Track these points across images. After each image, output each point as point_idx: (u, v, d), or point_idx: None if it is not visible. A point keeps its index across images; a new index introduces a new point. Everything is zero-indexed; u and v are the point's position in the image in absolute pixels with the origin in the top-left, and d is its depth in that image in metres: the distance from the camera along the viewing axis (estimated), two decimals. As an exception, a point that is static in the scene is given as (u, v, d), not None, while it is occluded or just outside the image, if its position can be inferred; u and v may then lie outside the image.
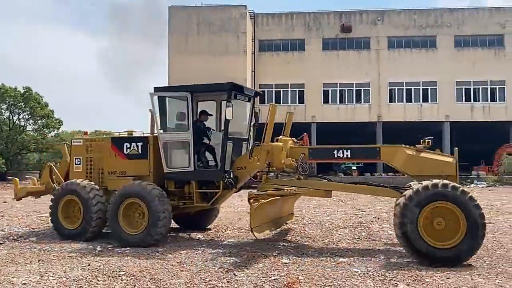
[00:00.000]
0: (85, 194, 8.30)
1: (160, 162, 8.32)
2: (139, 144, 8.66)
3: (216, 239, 8.54)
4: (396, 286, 5.16)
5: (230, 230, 9.57)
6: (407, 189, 6.91)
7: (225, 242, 8.16)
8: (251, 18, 35.58)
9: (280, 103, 35.57)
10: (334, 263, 6.33)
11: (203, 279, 5.48)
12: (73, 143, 9.32)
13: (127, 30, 66.19)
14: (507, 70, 34.92)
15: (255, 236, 7.44)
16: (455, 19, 35.68)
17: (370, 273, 5.74)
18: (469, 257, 6.28)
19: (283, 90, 35.59)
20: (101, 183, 8.71)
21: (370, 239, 8.32)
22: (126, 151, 8.69)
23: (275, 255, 6.82)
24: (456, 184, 6.56)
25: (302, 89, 35.48)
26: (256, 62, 35.68)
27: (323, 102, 35.38)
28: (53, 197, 8.69)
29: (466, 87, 35.48)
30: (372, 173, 32.67)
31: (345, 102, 35.50)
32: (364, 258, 6.63)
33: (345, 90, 35.52)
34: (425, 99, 35.54)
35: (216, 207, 9.42)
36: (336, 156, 8.36)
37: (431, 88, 35.58)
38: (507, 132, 34.01)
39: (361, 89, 35.46)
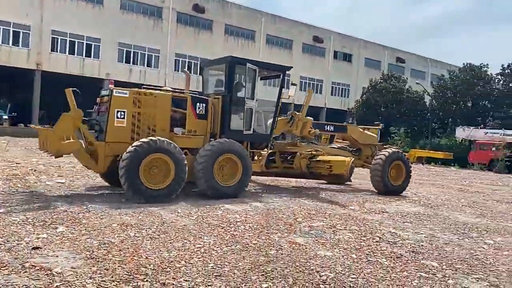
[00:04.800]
0: (177, 153, 8.07)
1: (213, 124, 9.29)
2: (203, 105, 9.18)
3: None
4: (56, 228, 5.68)
5: None
6: (355, 153, 12.46)
7: None
8: None
9: None
10: (-11, 215, 6.19)
11: None
12: (115, 94, 8.19)
13: None
14: (162, 41, 39.52)
15: (351, 181, 13.50)
16: (122, -19, 37.20)
17: (30, 220, 6.01)
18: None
19: None
20: None
21: (27, 191, 8.36)
22: (198, 111, 9.05)
23: None
24: (401, 151, 12.36)
25: None
26: None
27: (-31, 38, 30.15)
28: (127, 156, 7.61)
29: (127, 49, 37.95)
30: (25, 124, 30.80)
31: (-1, 43, 31.49)
32: (23, 207, 6.76)
33: (-1, 28, 31.42)
34: (88, 55, 35.85)
35: None
36: (326, 129, 12.48)
37: (94, 45, 36.12)
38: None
39: (19, 31, 32.19)
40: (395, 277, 4.67)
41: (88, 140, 8.42)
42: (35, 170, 11.13)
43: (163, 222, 6.42)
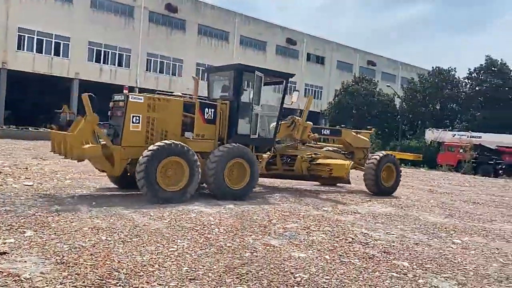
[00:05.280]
0: (192, 157, 8.31)
1: (221, 128, 9.53)
2: (212, 110, 9.41)
3: None
4: (24, 232, 5.50)
5: None
6: (348, 155, 12.79)
7: None
8: None
9: None
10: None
11: None
12: (131, 99, 8.44)
13: None
14: (134, 40, 38.95)
15: (350, 183, 13.47)
16: (92, -21, 36.48)
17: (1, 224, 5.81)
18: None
19: None
20: None
21: (-8, 193, 8.07)
22: (206, 115, 9.29)
23: None
24: (392, 154, 13.23)
25: None
26: None
27: None
28: (145, 157, 7.86)
29: (97, 48, 37.22)
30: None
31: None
32: (-12, 211, 6.52)
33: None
34: (57, 53, 34.99)
35: None
36: (322, 133, 12.95)
37: (63, 43, 35.31)
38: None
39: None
40: (367, 277, 4.75)
41: (103, 144, 8.49)
42: (0, 172, 10.76)
43: (135, 226, 6.31)
